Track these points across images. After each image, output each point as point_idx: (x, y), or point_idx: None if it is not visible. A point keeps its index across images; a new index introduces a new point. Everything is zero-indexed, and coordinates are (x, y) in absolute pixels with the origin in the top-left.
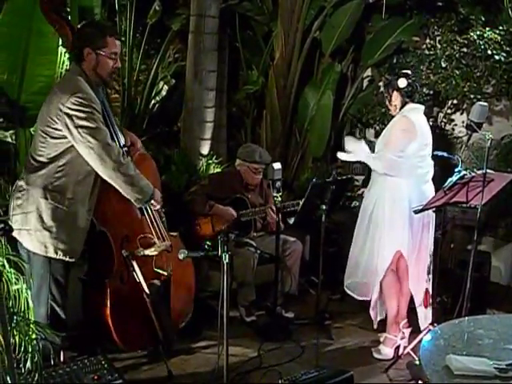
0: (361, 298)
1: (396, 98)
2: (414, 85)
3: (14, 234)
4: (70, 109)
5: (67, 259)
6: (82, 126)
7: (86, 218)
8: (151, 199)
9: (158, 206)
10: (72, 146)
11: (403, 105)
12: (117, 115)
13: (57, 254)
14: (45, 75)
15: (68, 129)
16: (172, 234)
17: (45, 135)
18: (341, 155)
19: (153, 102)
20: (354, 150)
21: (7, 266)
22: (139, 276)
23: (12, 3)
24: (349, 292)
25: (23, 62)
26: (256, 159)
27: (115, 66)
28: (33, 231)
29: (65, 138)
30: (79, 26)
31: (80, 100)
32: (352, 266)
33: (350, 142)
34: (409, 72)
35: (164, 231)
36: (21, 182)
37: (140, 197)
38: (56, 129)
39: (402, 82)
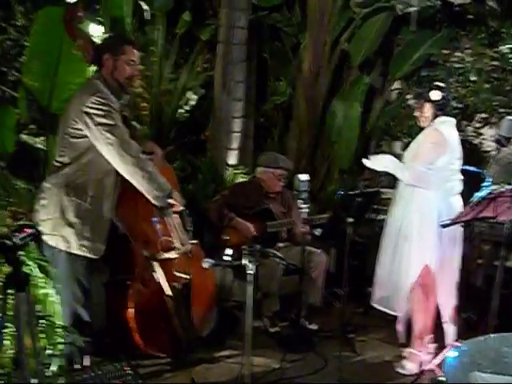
0: (392, 313)
1: (428, 110)
2: (447, 98)
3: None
4: (89, 107)
5: (90, 256)
6: (101, 124)
7: (108, 216)
8: (169, 197)
9: (181, 207)
10: (92, 145)
11: (434, 117)
12: (145, 124)
13: (80, 249)
14: (75, 83)
15: (88, 127)
16: (192, 241)
17: (66, 136)
18: (366, 162)
19: (181, 111)
20: (381, 160)
21: (36, 270)
22: (160, 277)
23: (45, 13)
24: (378, 307)
25: (55, 70)
26: (280, 165)
27: (132, 73)
28: (57, 228)
29: (85, 137)
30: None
31: (99, 99)
32: (380, 281)
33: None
34: (443, 85)
35: (185, 235)
36: (45, 184)
37: (158, 194)
38: (77, 129)
39: (437, 95)
